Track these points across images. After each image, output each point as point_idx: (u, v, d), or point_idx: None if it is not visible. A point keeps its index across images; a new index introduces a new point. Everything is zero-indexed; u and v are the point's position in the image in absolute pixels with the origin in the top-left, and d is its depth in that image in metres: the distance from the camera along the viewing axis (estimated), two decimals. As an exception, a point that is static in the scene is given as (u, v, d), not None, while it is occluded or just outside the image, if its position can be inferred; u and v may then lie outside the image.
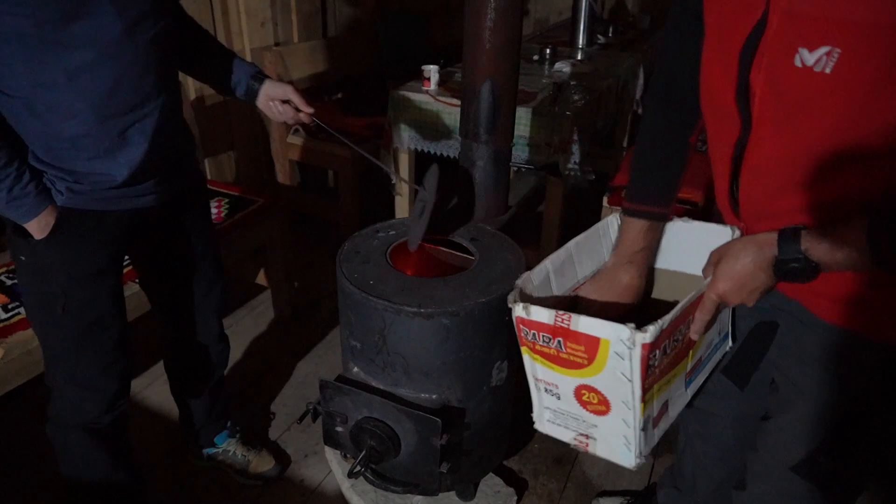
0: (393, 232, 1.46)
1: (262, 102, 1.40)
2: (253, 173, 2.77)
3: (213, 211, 2.07)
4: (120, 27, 1.02)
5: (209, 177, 2.47)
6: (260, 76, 1.39)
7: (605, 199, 2.22)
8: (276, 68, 2.54)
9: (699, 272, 0.95)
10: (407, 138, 2.37)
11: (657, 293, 1.13)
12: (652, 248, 1.07)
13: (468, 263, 1.38)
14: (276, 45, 2.70)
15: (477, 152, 1.51)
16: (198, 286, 1.44)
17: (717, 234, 0.97)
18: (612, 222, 1.15)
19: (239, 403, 1.93)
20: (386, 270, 1.31)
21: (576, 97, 2.31)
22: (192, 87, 2.36)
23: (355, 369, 1.36)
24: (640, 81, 3.03)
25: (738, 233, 0.94)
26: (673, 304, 0.86)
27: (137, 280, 1.48)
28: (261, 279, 2.30)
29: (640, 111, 3.12)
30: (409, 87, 2.37)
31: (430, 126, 2.32)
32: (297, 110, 1.41)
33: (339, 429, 1.35)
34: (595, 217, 2.28)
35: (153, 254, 1.37)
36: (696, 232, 1.03)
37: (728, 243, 0.86)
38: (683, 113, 0.98)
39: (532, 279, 1.04)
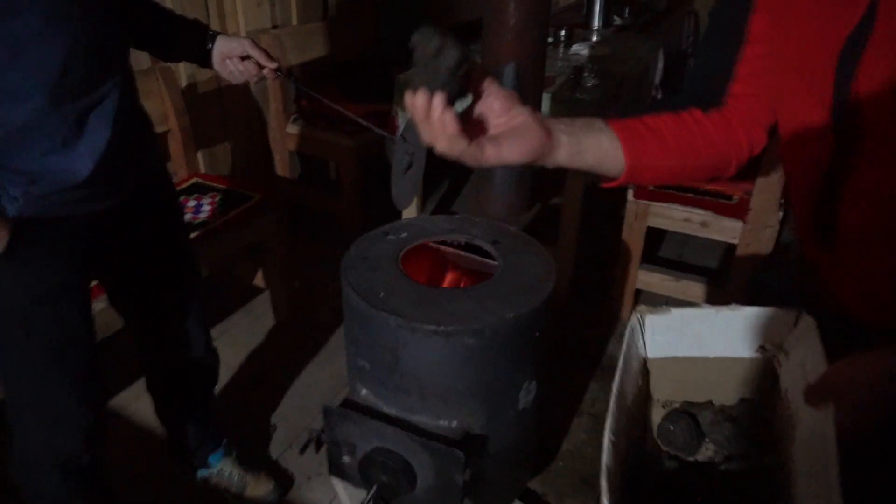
0: (404, 234, 1.29)
1: (217, 63, 1.25)
2: (249, 165, 2.60)
3: (206, 207, 1.91)
4: None
5: (202, 170, 2.30)
6: (211, 34, 1.24)
7: (629, 193, 2.05)
8: (274, 52, 2.35)
9: (744, 354, 0.80)
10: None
11: (698, 385, 0.92)
12: (576, 133, 0.74)
13: (490, 270, 1.22)
14: (274, 27, 2.52)
15: (498, 143, 1.33)
16: (175, 295, 1.27)
17: (772, 319, 0.78)
18: (635, 327, 0.86)
19: (235, 417, 1.77)
20: (397, 280, 1.14)
21: (595, 81, 2.14)
22: (183, 73, 2.19)
23: (363, 391, 1.20)
24: (660, 66, 2.84)
25: (808, 318, 0.75)
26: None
27: (105, 296, 1.31)
28: (258, 280, 2.14)
29: (658, 97, 2.94)
30: (416, 72, 2.19)
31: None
32: (260, 66, 1.26)
33: (346, 459, 1.19)
34: (618, 211, 2.14)
35: (122, 264, 1.20)
36: (744, 318, 0.83)
37: (843, 369, 0.65)
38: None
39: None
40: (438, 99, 0.58)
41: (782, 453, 0.76)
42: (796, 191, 0.77)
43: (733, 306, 0.81)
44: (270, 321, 2.18)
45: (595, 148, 0.72)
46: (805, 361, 0.71)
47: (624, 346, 0.84)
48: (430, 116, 0.59)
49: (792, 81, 0.71)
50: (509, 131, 0.66)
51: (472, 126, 0.65)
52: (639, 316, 0.85)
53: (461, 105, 0.64)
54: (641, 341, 0.86)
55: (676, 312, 0.83)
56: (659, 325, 0.84)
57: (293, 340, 2.11)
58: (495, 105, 0.65)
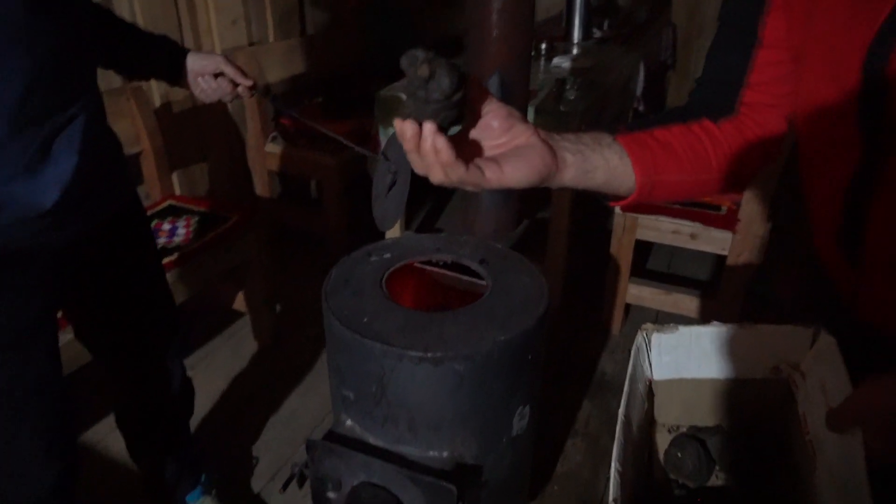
0: (388, 255, 1.23)
1: (189, 81, 1.21)
2: (227, 186, 2.53)
3: (182, 230, 1.84)
4: (20, 1, 0.79)
5: (178, 192, 2.23)
6: (182, 51, 1.20)
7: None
8: (251, 69, 2.30)
9: (756, 375, 0.75)
10: (396, 143, 2.14)
11: (707, 409, 0.86)
12: (583, 151, 0.67)
13: (479, 290, 1.16)
14: (251, 44, 2.46)
15: (483, 158, 1.28)
16: (148, 326, 1.20)
17: (787, 337, 0.73)
18: (641, 347, 0.80)
19: (215, 449, 1.69)
20: (382, 304, 1.08)
21: (578, 94, 2.10)
22: (156, 92, 2.12)
23: (348, 422, 1.13)
24: (641, 77, 2.83)
25: (827, 337, 0.70)
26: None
27: (71, 328, 1.23)
28: (238, 304, 2.06)
29: (640, 108, 2.92)
30: (396, 88, 2.15)
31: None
32: (235, 84, 1.23)
33: (331, 494, 1.11)
34: (606, 224, 2.10)
35: (91, 296, 1.12)
36: (756, 336, 0.78)
37: (870, 392, 0.58)
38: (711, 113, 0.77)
39: None
40: (429, 127, 0.53)
41: (802, 482, 0.71)
42: (818, 201, 0.72)
43: (745, 324, 0.75)
44: (252, 346, 2.10)
45: (603, 166, 0.66)
46: (825, 383, 0.66)
47: (630, 368, 0.79)
48: (421, 147, 0.54)
49: (813, 87, 0.66)
50: (511, 152, 0.60)
51: (469, 149, 0.59)
52: (644, 335, 0.79)
53: (455, 131, 0.59)
54: (647, 362, 0.80)
55: (684, 331, 0.77)
56: (666, 345, 0.78)
57: (276, 366, 2.03)
58: (494, 124, 0.60)
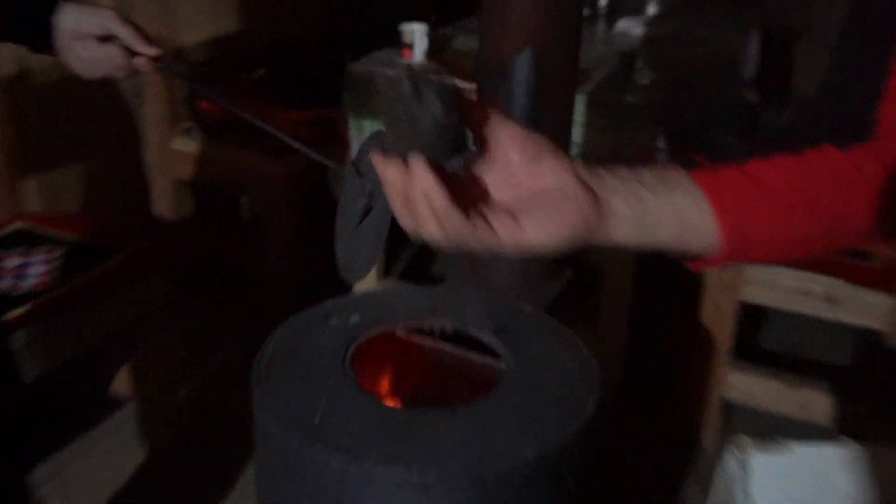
0: (357, 316, 1.27)
1: (63, 47, 1.26)
2: (115, 201, 2.60)
3: (37, 269, 1.89)
4: None
5: (34, 208, 2.28)
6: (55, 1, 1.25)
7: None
8: (156, 29, 2.38)
9: None
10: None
11: None
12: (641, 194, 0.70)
13: (493, 376, 1.19)
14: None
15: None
16: None
17: None
18: (734, 473, 0.89)
19: None
20: (345, 393, 1.11)
21: (654, 76, 2.18)
22: (7, 58, 2.18)
23: (286, 576, 1.15)
24: (754, 51, 2.90)
25: None
26: None
27: None
28: (122, 384, 2.10)
29: (753, 101, 2.99)
30: (378, 60, 2.22)
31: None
32: (132, 53, 1.28)
33: None
34: (691, 276, 2.13)
35: None
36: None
37: None
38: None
39: None
40: (417, 162, 0.56)
41: None
42: None
43: (881, 441, 0.80)
44: (142, 448, 2.14)
45: (672, 217, 0.69)
46: None
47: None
48: (409, 193, 0.57)
49: None
50: (535, 199, 0.63)
51: (473, 194, 0.62)
52: (738, 454, 0.84)
53: (454, 166, 0.62)
54: (743, 494, 0.85)
55: (801, 451, 0.81)
56: (772, 470, 0.83)
57: (177, 479, 2.07)
58: (513, 156, 0.63)
